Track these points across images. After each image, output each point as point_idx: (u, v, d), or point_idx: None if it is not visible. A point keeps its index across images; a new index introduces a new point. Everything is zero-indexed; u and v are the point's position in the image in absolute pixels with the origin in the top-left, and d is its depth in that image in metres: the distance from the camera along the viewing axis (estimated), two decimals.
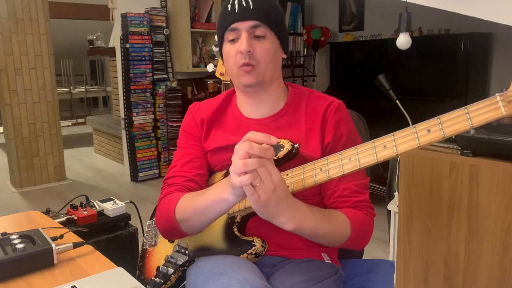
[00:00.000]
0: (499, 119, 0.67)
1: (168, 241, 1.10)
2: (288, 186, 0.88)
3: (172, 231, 1.01)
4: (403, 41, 1.81)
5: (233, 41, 0.99)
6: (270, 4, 1.01)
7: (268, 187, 0.78)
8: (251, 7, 0.97)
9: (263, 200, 0.79)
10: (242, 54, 0.97)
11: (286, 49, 1.05)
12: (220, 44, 1.05)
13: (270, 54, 0.99)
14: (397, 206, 1.55)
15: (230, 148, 0.88)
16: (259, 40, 0.98)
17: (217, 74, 1.76)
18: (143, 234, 1.24)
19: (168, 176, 1.10)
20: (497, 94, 0.67)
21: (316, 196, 1.03)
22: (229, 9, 0.99)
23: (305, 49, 5.28)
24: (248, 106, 1.07)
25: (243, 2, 0.97)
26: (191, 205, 0.94)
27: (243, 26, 0.97)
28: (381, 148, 0.77)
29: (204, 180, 1.08)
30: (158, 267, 1.06)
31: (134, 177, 4.22)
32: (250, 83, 1.00)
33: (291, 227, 0.86)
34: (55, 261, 0.86)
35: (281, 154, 0.94)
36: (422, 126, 0.73)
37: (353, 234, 0.96)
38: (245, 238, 0.96)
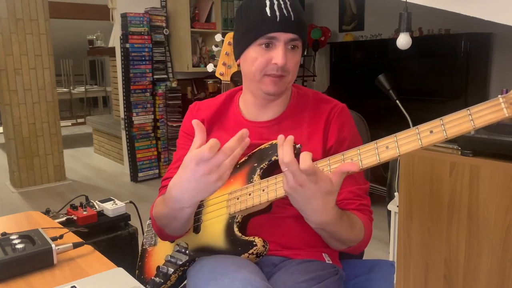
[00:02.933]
0: (501, 120, 0.68)
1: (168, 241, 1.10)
2: None
3: (162, 234, 1.03)
4: (403, 41, 1.81)
5: (266, 46, 0.96)
6: (304, 14, 0.99)
7: (295, 180, 0.78)
8: (293, 18, 0.94)
9: (290, 186, 0.80)
10: (277, 66, 0.94)
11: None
12: (244, 45, 0.99)
13: (298, 65, 0.99)
14: (397, 206, 1.55)
15: None
16: (292, 51, 0.97)
17: (217, 74, 1.76)
18: (143, 234, 1.24)
19: (165, 177, 1.11)
20: (499, 96, 0.67)
21: None
22: (269, 14, 0.94)
23: (305, 49, 5.28)
24: (254, 109, 1.06)
25: (285, 11, 0.94)
26: (162, 212, 0.95)
27: (283, 37, 0.94)
28: (383, 149, 0.77)
29: None
30: (158, 267, 1.06)
31: (134, 177, 4.22)
32: (276, 92, 0.99)
33: (313, 225, 0.88)
34: (55, 261, 0.86)
35: None
36: (425, 127, 0.73)
37: (364, 239, 0.98)
38: (246, 238, 0.96)
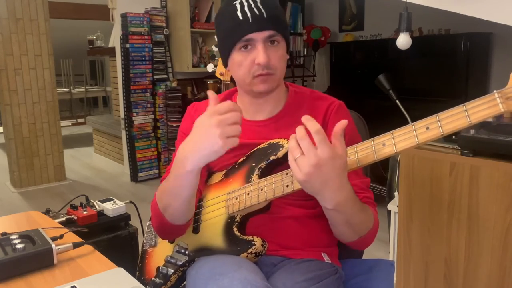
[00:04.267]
0: (497, 116, 0.68)
1: (168, 241, 1.10)
2: (288, 185, 0.88)
3: (162, 226, 1.00)
4: (403, 41, 1.80)
5: (245, 48, 0.96)
6: (278, 8, 0.99)
7: (311, 161, 0.76)
8: (265, 15, 0.94)
9: (305, 173, 0.77)
10: (260, 66, 0.95)
11: (288, 49, 1.05)
12: (227, 52, 1.01)
13: (284, 60, 1.00)
14: (397, 206, 1.55)
15: (229, 150, 0.87)
16: (273, 47, 0.96)
17: (217, 74, 1.76)
18: (143, 234, 1.24)
19: (164, 177, 1.10)
20: (495, 91, 0.67)
21: None
22: (241, 17, 0.95)
23: (305, 49, 5.28)
24: (250, 109, 1.07)
25: (256, 11, 0.94)
26: (165, 189, 0.95)
27: (260, 37, 0.94)
28: (380, 146, 0.78)
29: (201, 181, 1.08)
30: (158, 268, 1.06)
31: (134, 177, 4.22)
32: (267, 90, 0.99)
33: (330, 207, 0.84)
34: (55, 261, 0.86)
35: (280, 153, 0.95)
36: (421, 123, 0.73)
37: (373, 228, 0.97)
38: (245, 237, 0.96)
